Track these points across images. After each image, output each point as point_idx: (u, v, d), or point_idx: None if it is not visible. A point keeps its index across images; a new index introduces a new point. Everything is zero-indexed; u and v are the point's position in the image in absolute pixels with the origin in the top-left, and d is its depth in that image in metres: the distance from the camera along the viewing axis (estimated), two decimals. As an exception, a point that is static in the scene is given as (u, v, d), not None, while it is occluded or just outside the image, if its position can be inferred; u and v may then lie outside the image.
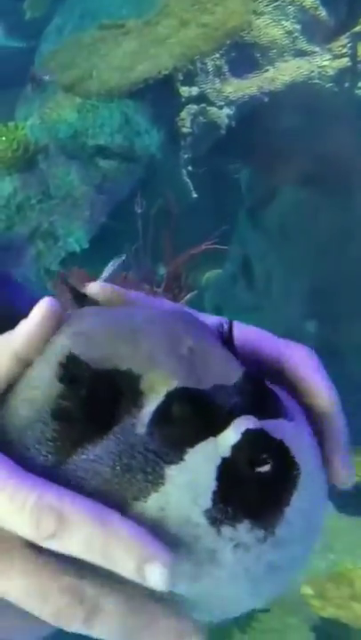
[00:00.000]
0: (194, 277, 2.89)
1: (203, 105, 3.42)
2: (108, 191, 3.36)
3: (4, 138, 3.47)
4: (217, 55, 3.35)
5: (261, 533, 0.40)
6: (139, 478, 0.40)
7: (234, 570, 0.39)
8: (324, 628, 2.24)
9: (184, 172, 3.41)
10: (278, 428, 0.42)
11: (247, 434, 0.40)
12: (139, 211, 2.59)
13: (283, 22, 3.50)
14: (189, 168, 3.45)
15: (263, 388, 0.43)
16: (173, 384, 0.42)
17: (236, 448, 0.40)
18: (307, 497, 0.42)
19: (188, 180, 3.41)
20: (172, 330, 0.45)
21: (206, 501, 0.39)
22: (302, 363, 0.47)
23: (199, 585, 0.39)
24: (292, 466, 0.41)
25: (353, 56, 3.45)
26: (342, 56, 3.46)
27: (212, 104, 3.43)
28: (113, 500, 0.40)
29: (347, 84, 3.51)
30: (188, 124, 3.37)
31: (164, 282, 2.42)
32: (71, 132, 3.46)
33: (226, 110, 3.43)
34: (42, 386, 0.45)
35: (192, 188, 3.42)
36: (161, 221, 2.62)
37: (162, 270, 2.69)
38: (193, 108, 3.38)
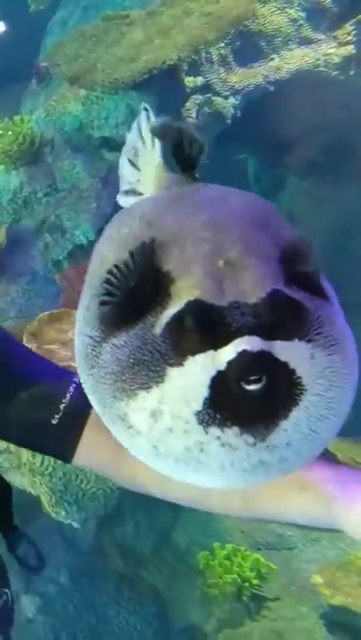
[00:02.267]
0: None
1: (208, 95, 3.40)
2: (114, 183, 3.36)
3: (9, 132, 3.48)
4: (222, 44, 3.33)
5: (251, 439, 0.44)
6: (144, 373, 0.46)
7: (221, 461, 0.45)
8: (333, 615, 2.26)
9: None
10: (288, 349, 0.45)
11: (242, 354, 0.43)
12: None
13: (287, 10, 3.47)
14: (195, 159, 3.44)
15: (290, 306, 0.46)
16: (194, 294, 0.46)
17: (231, 365, 0.44)
18: (311, 413, 0.45)
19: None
20: (224, 237, 0.48)
21: (197, 405, 0.45)
22: None
23: (192, 467, 0.45)
24: (292, 386, 0.44)
25: (358, 43, 3.42)
26: (347, 44, 3.43)
27: (217, 94, 3.41)
28: (123, 385, 0.46)
29: (352, 72, 3.48)
30: (193, 114, 3.36)
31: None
32: (76, 124, 3.46)
33: (231, 100, 3.42)
34: (106, 263, 0.52)
35: (198, 179, 3.42)
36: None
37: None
38: (198, 98, 3.37)
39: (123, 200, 0.66)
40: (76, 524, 2.42)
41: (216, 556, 2.61)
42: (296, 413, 0.45)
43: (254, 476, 0.46)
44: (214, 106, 3.41)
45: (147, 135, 0.66)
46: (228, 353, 0.44)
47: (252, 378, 0.43)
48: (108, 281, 0.49)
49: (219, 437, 0.45)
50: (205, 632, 2.61)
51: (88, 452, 0.78)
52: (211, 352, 0.45)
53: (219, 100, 3.41)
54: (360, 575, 2.25)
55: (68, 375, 0.80)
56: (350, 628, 2.23)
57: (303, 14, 3.50)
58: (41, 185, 3.49)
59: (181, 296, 0.47)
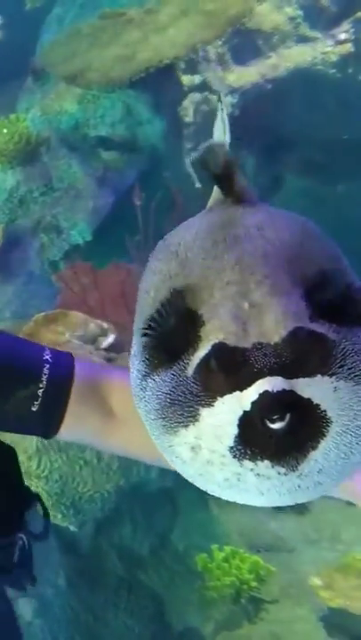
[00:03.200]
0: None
1: (205, 93, 3.39)
2: (110, 182, 3.34)
3: (5, 130, 3.46)
4: (219, 43, 3.31)
5: (282, 470, 0.48)
6: (180, 412, 0.50)
7: (259, 488, 0.50)
8: (332, 618, 2.25)
9: (187, 161, 3.39)
10: (311, 385, 0.47)
11: (264, 394, 0.46)
12: (138, 203, 2.57)
13: (285, 8, 3.45)
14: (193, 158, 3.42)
15: (311, 344, 0.48)
16: (219, 337, 0.50)
17: (255, 405, 0.47)
18: (341, 441, 0.48)
19: (191, 170, 3.39)
20: (250, 279, 0.52)
21: (229, 441, 0.49)
22: None
23: (235, 491, 0.50)
24: (318, 419, 0.47)
25: (356, 42, 3.41)
26: (345, 42, 3.42)
27: (214, 92, 3.39)
28: (165, 422, 0.51)
29: (350, 70, 3.47)
30: (190, 113, 3.34)
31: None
32: (73, 123, 3.44)
33: (229, 98, 3.40)
34: (147, 300, 0.56)
35: (195, 178, 3.40)
36: (164, 212, 2.60)
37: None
38: (195, 96, 3.35)
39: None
40: (73, 527, 2.41)
41: (214, 558, 2.59)
42: (324, 444, 0.48)
43: (293, 498, 0.51)
44: (211, 104, 3.39)
45: (220, 125, 0.68)
46: (251, 394, 0.47)
47: (274, 417, 0.47)
48: (149, 320, 0.54)
49: (252, 469, 0.49)
50: (204, 635, 2.59)
51: (72, 428, 0.77)
52: (236, 393, 0.48)
53: (216, 98, 3.39)
54: (359, 577, 2.24)
55: (38, 353, 0.78)
56: (349, 631, 2.22)
57: (301, 12, 3.48)
58: (37, 184, 3.47)
59: (209, 338, 0.50)
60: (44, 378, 0.75)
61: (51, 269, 3.24)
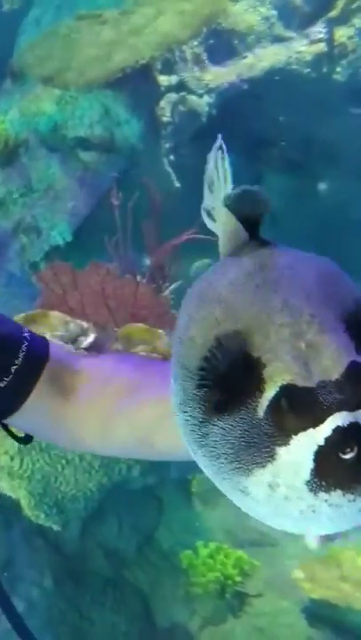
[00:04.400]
0: (182, 267, 2.89)
1: (183, 93, 3.40)
2: (90, 183, 3.35)
3: (-17, 132, 3.44)
4: (195, 43, 3.33)
5: (352, 497, 0.53)
6: (257, 454, 0.54)
7: (330, 517, 0.54)
8: (313, 609, 2.29)
9: (166, 161, 3.40)
10: None
11: (337, 430, 0.51)
12: (115, 202, 2.58)
13: (259, 8, 3.48)
14: (171, 157, 3.44)
15: None
16: (287, 378, 0.53)
17: (328, 440, 0.52)
18: None
19: (170, 170, 3.40)
20: (300, 320, 0.55)
21: (306, 475, 0.53)
22: None
23: (307, 522, 0.53)
24: None
25: (329, 41, 3.45)
26: (319, 41, 3.45)
27: (191, 92, 3.41)
28: (239, 465, 0.54)
29: (325, 70, 3.50)
30: (168, 113, 3.35)
31: (148, 272, 2.42)
32: (51, 124, 3.44)
33: (206, 98, 3.42)
34: (196, 346, 0.57)
35: (175, 178, 3.41)
36: (142, 212, 2.61)
37: (147, 261, 2.68)
38: (173, 96, 3.37)
39: (205, 220, 0.71)
40: (56, 527, 2.41)
41: (199, 554, 2.61)
42: None
43: (356, 521, 0.55)
44: (189, 104, 3.41)
45: (220, 172, 0.68)
46: (325, 431, 0.52)
47: (346, 450, 0.52)
48: (203, 368, 0.56)
49: (326, 500, 0.53)
50: (189, 630, 2.61)
51: (30, 407, 0.75)
52: (310, 430, 0.52)
53: (193, 98, 3.41)
54: (340, 569, 2.28)
55: (18, 329, 0.77)
56: (330, 621, 2.25)
57: (275, 12, 3.51)
58: (16, 185, 3.46)
59: (275, 380, 0.54)
60: (21, 355, 0.75)
61: (31, 270, 3.24)
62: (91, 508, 2.51)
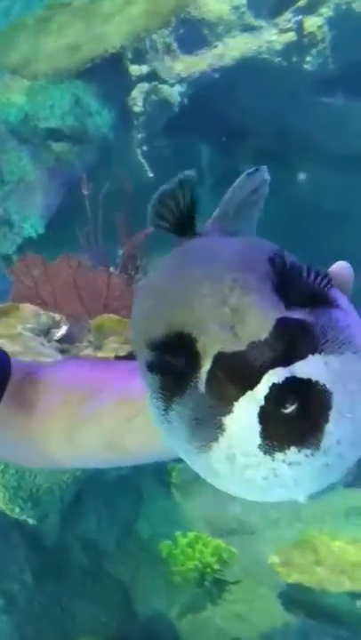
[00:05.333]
0: (154, 258, 2.88)
1: (154, 83, 3.39)
2: (61, 174, 3.32)
3: None
4: (166, 32, 3.31)
5: (308, 451, 0.52)
6: (208, 427, 0.53)
7: (294, 477, 0.53)
8: (289, 593, 2.32)
9: (138, 151, 3.38)
10: (305, 366, 0.52)
11: (273, 387, 0.51)
12: (85, 193, 2.56)
13: (229, -3, 3.47)
14: (144, 148, 3.42)
15: (295, 330, 0.53)
16: (217, 347, 0.53)
17: (268, 398, 0.51)
18: (345, 408, 0.53)
19: (142, 160, 3.38)
20: (221, 286, 0.55)
21: (257, 439, 0.52)
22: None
23: (276, 490, 0.53)
24: (322, 394, 0.52)
25: (299, 30, 3.45)
26: (288, 30, 3.46)
27: (163, 82, 3.39)
28: (198, 443, 0.53)
29: (295, 59, 3.51)
30: (139, 102, 3.33)
31: (120, 263, 2.41)
32: (21, 115, 3.40)
33: (178, 88, 3.41)
34: (141, 341, 0.57)
35: (147, 168, 3.40)
36: (114, 202, 2.60)
37: (120, 252, 2.67)
38: (144, 86, 3.35)
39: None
40: (32, 521, 2.40)
41: (178, 544, 2.62)
42: (332, 415, 0.52)
43: (325, 479, 0.54)
44: (160, 94, 3.39)
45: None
46: (262, 390, 0.52)
47: (287, 404, 0.51)
48: (148, 361, 0.56)
49: (284, 460, 0.52)
50: (169, 619, 2.62)
51: None
52: (249, 393, 0.52)
53: (165, 87, 3.39)
54: (314, 553, 2.31)
55: None
56: (305, 604, 2.29)
57: (244, 1, 3.51)
58: (-13, 178, 3.41)
59: (208, 352, 0.54)
60: None
61: (5, 264, 3.20)
62: (67, 501, 2.50)
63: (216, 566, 2.57)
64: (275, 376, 0.51)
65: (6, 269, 3.07)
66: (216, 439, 0.53)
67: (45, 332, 2.05)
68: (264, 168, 0.69)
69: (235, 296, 0.55)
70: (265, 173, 0.69)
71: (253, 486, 0.54)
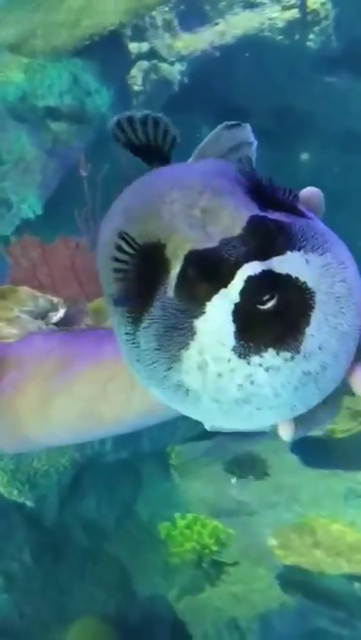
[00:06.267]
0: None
1: (154, 61, 3.33)
2: (60, 154, 3.27)
3: None
4: (166, 9, 3.25)
5: (288, 355, 0.48)
6: (177, 334, 0.49)
7: (272, 386, 0.49)
8: (286, 574, 2.34)
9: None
10: (286, 262, 0.49)
11: (248, 280, 0.47)
12: (84, 174, 2.52)
13: (230, -28, 3.40)
14: (143, 128, 3.37)
15: (271, 225, 0.50)
16: (187, 247, 0.50)
17: (243, 293, 0.48)
18: (328, 310, 0.49)
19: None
20: (190, 192, 0.52)
21: (231, 341, 0.48)
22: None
23: (254, 405, 0.49)
24: (303, 292, 0.49)
25: (302, 7, 3.39)
26: (291, 7, 3.39)
27: (163, 60, 3.34)
28: (167, 354, 0.50)
29: (297, 37, 3.45)
30: (139, 81, 3.28)
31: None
32: (19, 93, 3.35)
33: (178, 66, 3.35)
34: (103, 270, 0.54)
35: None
36: (112, 183, 2.56)
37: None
38: (144, 64, 3.29)
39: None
40: (30, 503, 2.41)
41: (177, 525, 2.64)
42: (315, 316, 0.49)
43: (307, 392, 0.49)
44: (160, 72, 3.34)
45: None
46: (236, 285, 0.48)
47: (264, 298, 0.47)
48: (112, 278, 0.53)
49: (261, 364, 0.48)
50: (168, 600, 2.65)
51: None
52: (222, 291, 0.49)
53: (165, 66, 3.34)
54: (312, 536, 2.32)
55: None
56: (302, 586, 2.31)
57: (247, -24, 3.44)
58: (-15, 158, 3.37)
59: (177, 254, 0.50)
60: None
61: (2, 245, 3.17)
62: (64, 484, 2.51)
63: (214, 548, 2.59)
64: (250, 269, 0.48)
65: (4, 251, 3.04)
66: (186, 346, 0.49)
67: (43, 315, 2.04)
68: (246, 125, 0.63)
69: (205, 199, 0.51)
70: (246, 132, 0.63)
71: (228, 401, 0.49)
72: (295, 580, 2.29)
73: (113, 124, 0.61)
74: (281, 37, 3.45)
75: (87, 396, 0.63)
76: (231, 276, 0.48)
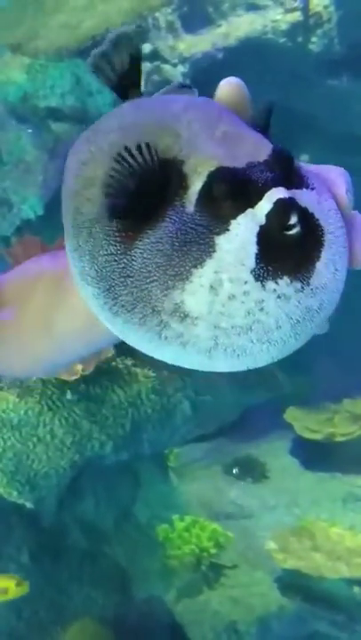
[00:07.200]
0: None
1: (156, 63, 3.32)
2: (61, 155, 3.27)
3: None
4: (169, 10, 3.25)
5: (299, 285, 0.49)
6: (194, 249, 0.49)
7: (278, 316, 0.50)
8: (285, 578, 2.34)
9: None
10: (304, 196, 0.50)
11: (278, 203, 0.48)
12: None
13: (234, -26, 3.40)
14: (145, 129, 3.37)
15: (290, 162, 0.51)
16: (213, 164, 0.49)
17: (270, 216, 0.48)
18: (333, 252, 0.51)
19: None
20: (209, 115, 0.52)
21: (251, 262, 0.49)
22: (334, 173, 0.55)
23: (253, 335, 0.49)
24: (316, 228, 0.50)
25: (304, 10, 3.39)
26: (294, 10, 3.39)
27: (165, 61, 3.33)
28: (176, 271, 0.49)
29: (300, 39, 3.45)
30: (141, 82, 3.27)
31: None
32: (21, 94, 3.34)
33: (180, 68, 3.35)
34: (98, 184, 0.51)
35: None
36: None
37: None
38: (146, 66, 3.29)
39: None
40: (29, 504, 2.41)
41: (175, 528, 2.63)
42: (324, 253, 0.50)
43: (302, 329, 0.50)
44: (163, 74, 3.33)
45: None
46: (264, 207, 0.48)
47: (290, 224, 0.48)
48: (109, 193, 0.49)
49: (275, 290, 0.49)
50: (166, 602, 2.64)
51: None
52: (250, 210, 0.48)
53: (167, 67, 3.33)
54: (311, 539, 2.32)
55: None
56: (301, 589, 2.30)
57: (250, -22, 3.44)
58: (-14, 158, 3.37)
59: (200, 171, 0.49)
60: None
61: (2, 244, 3.17)
62: (64, 486, 2.51)
63: (213, 551, 2.59)
64: (280, 192, 0.48)
65: (4, 251, 3.04)
66: (202, 263, 0.48)
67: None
68: (194, 90, 0.63)
69: (225, 123, 0.51)
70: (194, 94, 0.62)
71: (228, 329, 0.49)
72: (294, 584, 2.29)
73: (90, 65, 0.59)
74: (284, 40, 3.45)
75: (86, 305, 0.60)
76: (259, 197, 0.48)
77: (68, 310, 0.65)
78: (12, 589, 2.29)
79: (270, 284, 0.49)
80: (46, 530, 2.82)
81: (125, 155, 0.49)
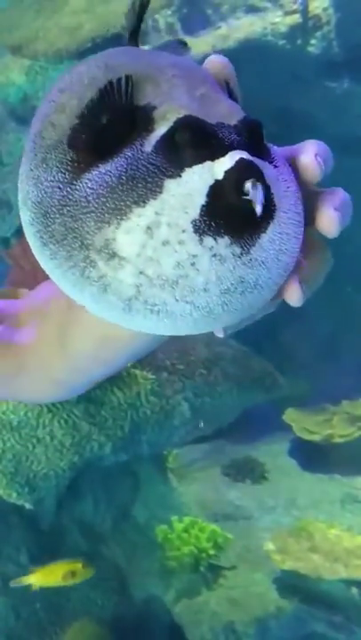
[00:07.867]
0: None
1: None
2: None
3: None
4: (169, 12, 3.26)
5: (238, 250, 0.48)
6: (140, 186, 0.48)
7: (207, 276, 0.48)
8: (284, 579, 2.34)
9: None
10: (265, 167, 0.50)
11: (240, 162, 0.48)
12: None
13: (233, -24, 3.41)
14: (145, 131, 3.37)
15: (260, 134, 0.51)
16: (182, 113, 0.49)
17: (229, 172, 0.48)
18: (280, 230, 0.50)
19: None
20: (192, 75, 0.53)
21: (195, 212, 0.48)
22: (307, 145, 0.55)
23: (177, 291, 0.47)
24: (270, 202, 0.49)
25: (304, 12, 3.40)
26: (293, 12, 3.40)
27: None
28: (115, 204, 0.48)
29: (299, 42, 3.46)
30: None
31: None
32: (21, 95, 3.35)
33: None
34: (68, 112, 0.52)
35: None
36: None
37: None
38: (145, 68, 3.29)
39: None
40: (28, 505, 2.41)
41: (174, 529, 2.64)
42: (272, 228, 0.49)
43: (231, 300, 0.48)
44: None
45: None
46: (226, 162, 0.48)
47: (246, 187, 0.48)
48: (78, 123, 0.50)
49: (212, 247, 0.48)
50: (165, 603, 2.65)
51: None
52: (208, 163, 0.48)
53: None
54: (310, 540, 2.32)
55: None
56: (299, 590, 2.31)
57: (249, -19, 3.45)
58: (-14, 159, 3.38)
59: (169, 118, 0.49)
60: None
61: (2, 246, 3.17)
62: (63, 487, 2.51)
63: (212, 552, 2.59)
64: (243, 154, 0.48)
65: (4, 253, 3.04)
66: (144, 202, 0.47)
67: (43, 318, 2.04)
68: (189, 48, 0.63)
69: (206, 87, 0.52)
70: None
71: (153, 279, 0.47)
72: (292, 585, 2.29)
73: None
74: (283, 42, 3.46)
75: (99, 321, 0.60)
76: (222, 153, 0.48)
77: (81, 327, 0.65)
78: (80, 572, 2.31)
79: (208, 241, 0.47)
80: (45, 531, 2.82)
81: (102, 90, 0.50)
